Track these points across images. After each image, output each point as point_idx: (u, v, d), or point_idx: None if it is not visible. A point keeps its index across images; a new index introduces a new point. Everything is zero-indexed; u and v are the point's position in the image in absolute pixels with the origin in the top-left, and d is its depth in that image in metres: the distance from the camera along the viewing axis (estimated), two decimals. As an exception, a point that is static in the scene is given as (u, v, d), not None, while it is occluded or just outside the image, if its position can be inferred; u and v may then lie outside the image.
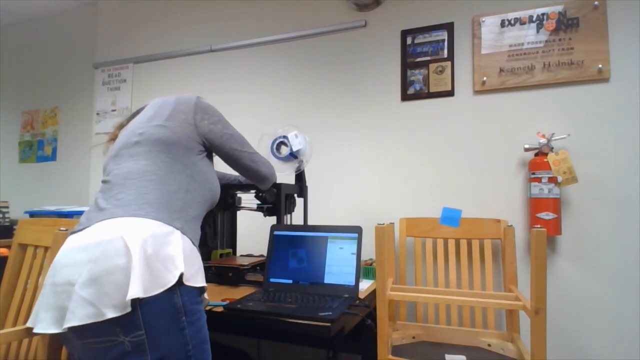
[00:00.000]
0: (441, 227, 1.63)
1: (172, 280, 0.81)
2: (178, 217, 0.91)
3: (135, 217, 0.86)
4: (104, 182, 0.97)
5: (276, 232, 1.39)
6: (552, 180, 1.52)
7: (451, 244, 1.65)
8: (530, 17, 1.67)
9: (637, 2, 1.54)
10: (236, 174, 1.61)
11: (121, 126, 1.14)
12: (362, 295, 1.25)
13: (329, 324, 0.98)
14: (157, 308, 0.79)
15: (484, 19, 1.74)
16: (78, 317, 0.75)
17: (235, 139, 1.11)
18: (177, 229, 0.89)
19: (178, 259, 0.84)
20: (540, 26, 1.65)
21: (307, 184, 1.63)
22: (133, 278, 0.76)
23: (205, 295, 0.92)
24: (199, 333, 0.86)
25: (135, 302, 0.76)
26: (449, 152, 1.78)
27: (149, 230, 0.84)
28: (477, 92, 1.75)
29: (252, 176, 1.20)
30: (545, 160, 1.53)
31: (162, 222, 0.87)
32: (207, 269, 1.46)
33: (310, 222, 1.61)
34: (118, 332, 0.77)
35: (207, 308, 1.10)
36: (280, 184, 1.45)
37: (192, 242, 0.93)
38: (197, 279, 0.88)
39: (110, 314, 0.75)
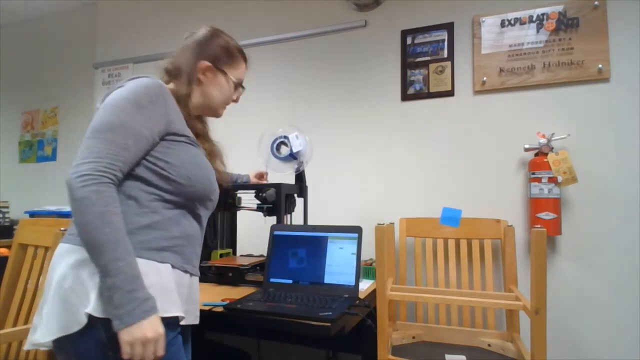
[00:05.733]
0: (441, 227, 1.63)
1: (84, 319, 0.72)
2: None
3: (64, 243, 0.80)
4: None
5: (276, 232, 1.39)
6: (552, 180, 1.52)
7: (451, 244, 1.65)
8: (530, 17, 1.67)
9: (637, 2, 1.54)
10: (245, 172, 1.60)
11: None
12: (362, 295, 1.25)
13: (329, 324, 0.98)
14: (81, 344, 0.75)
15: (484, 19, 1.74)
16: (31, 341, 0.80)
17: (92, 125, 0.79)
18: None
19: (92, 292, 0.73)
20: (540, 26, 1.65)
21: (307, 183, 1.63)
22: (43, 319, 0.76)
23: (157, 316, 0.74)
24: None
25: (61, 338, 0.74)
26: (448, 152, 1.78)
27: (69, 260, 0.76)
28: (477, 92, 1.75)
29: None
30: (545, 160, 1.53)
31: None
32: (207, 269, 1.45)
33: (310, 222, 1.61)
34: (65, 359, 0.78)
35: (206, 308, 1.09)
36: (280, 184, 1.45)
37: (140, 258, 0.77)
38: None
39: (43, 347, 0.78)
